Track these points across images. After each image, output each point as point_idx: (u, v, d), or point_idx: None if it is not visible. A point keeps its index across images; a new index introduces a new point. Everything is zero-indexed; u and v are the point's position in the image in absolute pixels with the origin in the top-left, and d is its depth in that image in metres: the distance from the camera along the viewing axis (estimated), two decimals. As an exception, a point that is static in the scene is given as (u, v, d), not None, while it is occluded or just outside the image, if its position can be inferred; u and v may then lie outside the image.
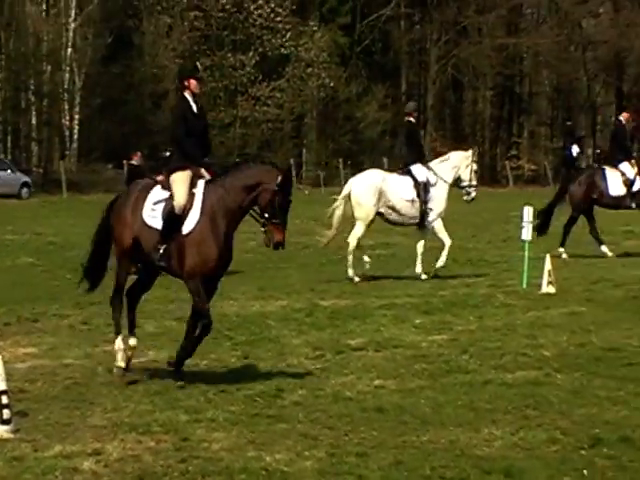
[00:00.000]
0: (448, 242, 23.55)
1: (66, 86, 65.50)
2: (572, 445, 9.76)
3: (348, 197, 23.30)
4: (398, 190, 23.33)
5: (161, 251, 12.32)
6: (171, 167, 12.80)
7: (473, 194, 23.82)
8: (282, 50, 63.56)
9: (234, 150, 61.06)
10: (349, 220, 23.04)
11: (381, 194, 23.08)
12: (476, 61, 70.64)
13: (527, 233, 20.59)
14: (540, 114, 79.65)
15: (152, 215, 12.51)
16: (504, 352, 14.17)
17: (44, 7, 67.86)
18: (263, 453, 9.36)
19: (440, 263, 23.46)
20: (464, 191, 24.18)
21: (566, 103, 74.60)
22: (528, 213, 20.92)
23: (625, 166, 26.10)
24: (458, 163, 24.30)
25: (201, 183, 12.50)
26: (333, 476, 8.88)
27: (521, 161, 73.05)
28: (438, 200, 23.53)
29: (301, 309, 18.55)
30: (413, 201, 23.21)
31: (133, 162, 35.01)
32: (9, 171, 60.03)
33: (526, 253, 20.51)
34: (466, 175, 24.01)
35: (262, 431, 10.24)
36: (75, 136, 65.99)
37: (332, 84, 63.71)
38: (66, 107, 65.66)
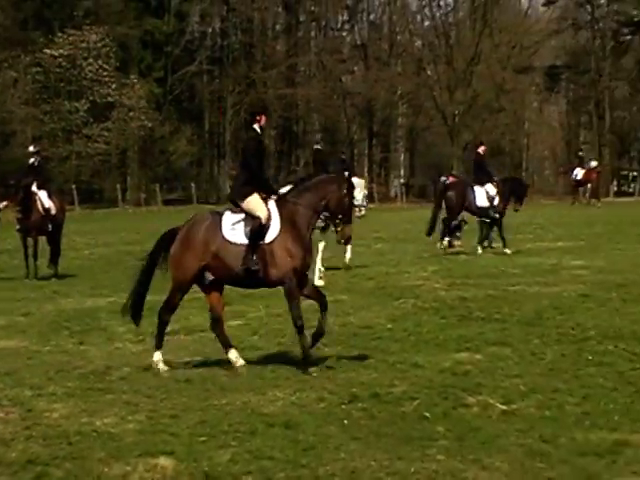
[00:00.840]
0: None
1: None
2: (336, 402, 10.01)
3: None
4: None
5: (254, 258, 11.68)
6: (242, 193, 12.11)
7: (364, 211, 24.57)
8: (109, 98, 63.83)
9: (71, 178, 60.96)
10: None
11: None
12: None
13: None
14: (311, 148, 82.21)
15: (233, 233, 11.87)
16: (285, 333, 14.23)
17: None
18: (94, 419, 9.36)
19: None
20: (357, 209, 24.89)
21: (331, 139, 75.90)
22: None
23: (489, 186, 27.06)
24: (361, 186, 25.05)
25: (272, 201, 12.04)
26: (151, 434, 8.90)
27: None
28: None
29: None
30: None
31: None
32: None
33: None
34: (360, 197, 24.58)
35: (93, 401, 10.21)
36: None
37: (150, 125, 64.28)
38: None
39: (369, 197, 28.71)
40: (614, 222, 39.24)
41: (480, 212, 27.09)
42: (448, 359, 12.03)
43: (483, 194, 27.76)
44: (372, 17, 75.26)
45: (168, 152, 67.36)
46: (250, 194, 11.90)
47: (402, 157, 75.02)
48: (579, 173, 52.98)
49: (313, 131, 74.32)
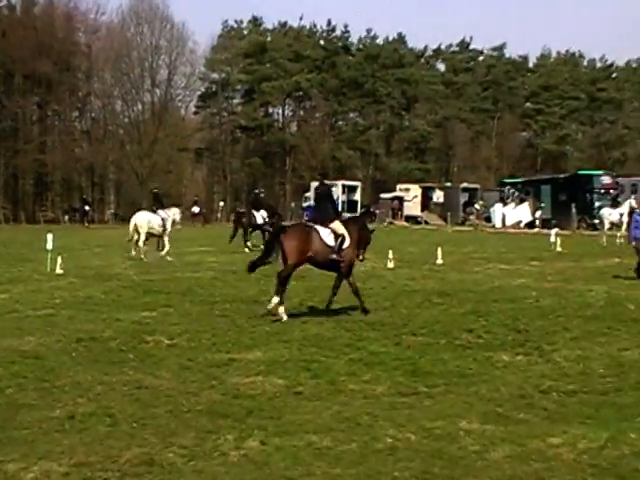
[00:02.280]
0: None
1: None
2: (68, 342, 9.96)
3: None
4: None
5: (338, 253, 12.35)
6: (329, 219, 12.61)
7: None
8: None
9: None
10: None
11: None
12: None
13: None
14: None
15: (328, 240, 12.35)
16: (38, 299, 14.13)
17: None
18: None
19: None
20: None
21: (68, 187, 74.03)
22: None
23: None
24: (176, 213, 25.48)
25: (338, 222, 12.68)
26: None
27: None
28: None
29: None
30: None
31: None
32: None
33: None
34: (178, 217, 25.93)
35: None
36: None
37: None
38: None
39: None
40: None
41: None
42: (137, 315, 12.27)
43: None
44: (93, 114, 75.00)
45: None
46: (333, 220, 12.61)
47: (112, 197, 74.67)
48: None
49: (55, 181, 72.27)
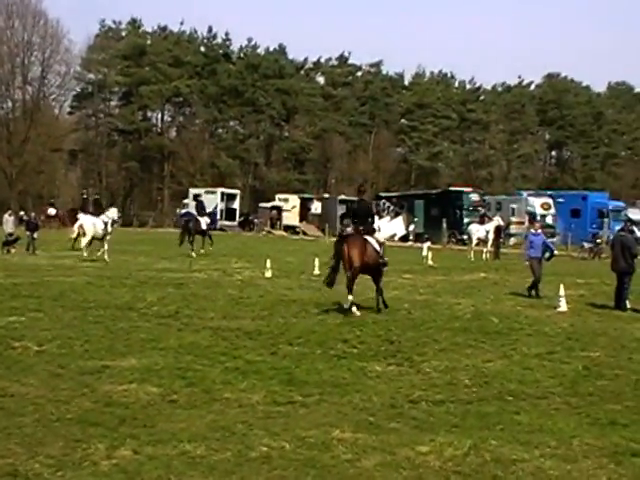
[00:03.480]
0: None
1: None
2: None
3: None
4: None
5: (382, 258, 14.41)
6: (369, 230, 14.48)
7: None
8: None
9: None
10: None
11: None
12: None
13: None
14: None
15: (374, 247, 14.20)
16: None
17: None
18: None
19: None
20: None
21: None
22: None
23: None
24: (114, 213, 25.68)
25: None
26: None
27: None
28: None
29: None
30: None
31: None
32: None
33: None
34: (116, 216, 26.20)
35: None
36: None
37: None
38: None
39: None
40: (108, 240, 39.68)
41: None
42: (3, 320, 11.84)
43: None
44: None
45: None
46: (374, 232, 14.51)
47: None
48: None
49: None
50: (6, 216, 29.23)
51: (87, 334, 10.99)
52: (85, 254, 24.26)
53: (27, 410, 7.12)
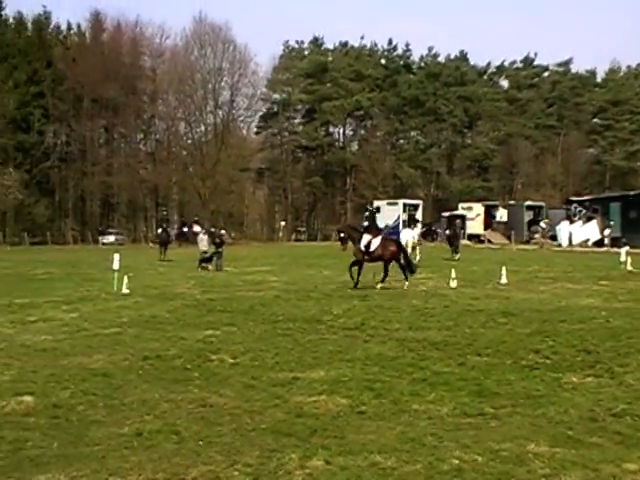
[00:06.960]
0: None
1: None
2: (134, 360, 10.11)
3: None
4: None
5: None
6: (377, 235, 20.27)
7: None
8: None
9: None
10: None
11: None
12: None
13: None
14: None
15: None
16: (105, 318, 14.10)
17: None
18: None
19: None
20: None
21: (133, 207, 76.63)
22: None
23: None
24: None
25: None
26: (19, 382, 8.72)
27: None
28: None
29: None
30: None
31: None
32: None
33: None
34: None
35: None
36: None
37: (21, 197, 63.33)
38: None
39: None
40: (294, 255, 40.30)
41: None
42: (201, 334, 12.32)
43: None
44: (157, 136, 76.88)
45: (32, 213, 65.23)
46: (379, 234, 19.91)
47: (175, 216, 75.63)
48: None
49: (120, 202, 74.09)
50: (201, 235, 31.01)
51: (277, 346, 11.22)
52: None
53: (225, 420, 7.36)
